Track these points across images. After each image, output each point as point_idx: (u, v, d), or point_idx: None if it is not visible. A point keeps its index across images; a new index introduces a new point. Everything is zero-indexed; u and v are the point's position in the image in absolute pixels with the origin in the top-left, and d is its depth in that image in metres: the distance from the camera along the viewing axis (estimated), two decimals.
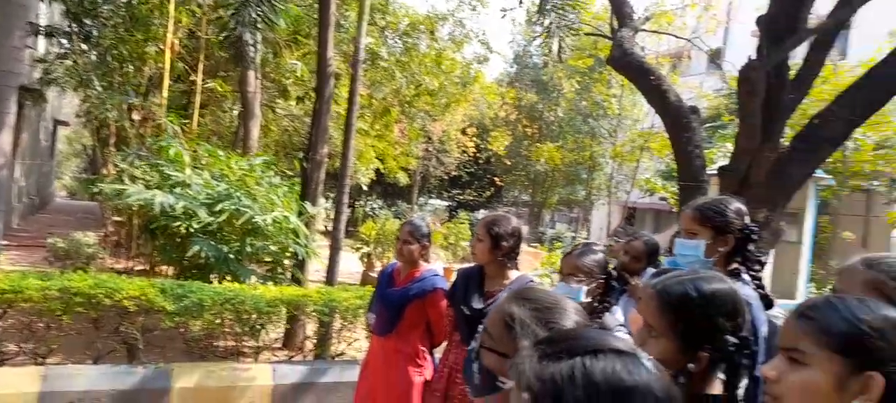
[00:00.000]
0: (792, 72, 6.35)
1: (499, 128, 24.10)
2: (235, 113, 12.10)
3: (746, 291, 2.14)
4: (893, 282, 1.51)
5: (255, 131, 9.59)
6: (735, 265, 2.25)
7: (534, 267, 14.20)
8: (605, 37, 9.21)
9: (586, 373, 0.86)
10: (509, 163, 25.38)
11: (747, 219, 2.27)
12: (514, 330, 1.34)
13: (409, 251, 3.44)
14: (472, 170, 27.81)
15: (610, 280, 2.47)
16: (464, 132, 24.56)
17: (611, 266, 2.94)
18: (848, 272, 1.61)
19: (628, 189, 17.28)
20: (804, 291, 12.45)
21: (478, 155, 25.78)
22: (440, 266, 12.37)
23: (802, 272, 12.26)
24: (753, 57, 5.67)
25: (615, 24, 7.82)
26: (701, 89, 17.85)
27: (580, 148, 21.53)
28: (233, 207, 5.90)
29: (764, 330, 2.11)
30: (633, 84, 9.03)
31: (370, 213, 29.01)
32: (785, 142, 6.51)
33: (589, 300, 2.47)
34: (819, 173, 12.21)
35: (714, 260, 2.25)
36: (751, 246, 2.24)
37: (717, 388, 1.42)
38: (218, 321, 5.00)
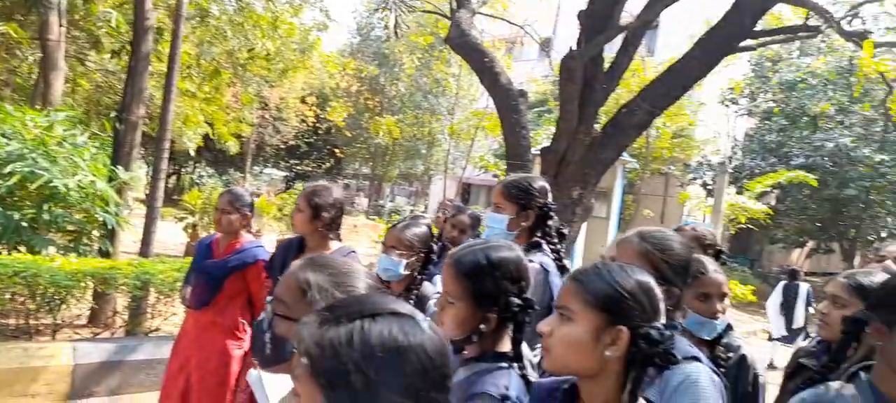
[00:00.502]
0: (606, 65, 7.00)
1: (339, 99, 23.70)
2: (33, 61, 10.59)
3: (546, 260, 2.36)
4: (659, 253, 1.74)
5: (58, 85, 8.46)
6: (536, 237, 2.46)
7: (372, 239, 14.28)
8: (444, 16, 9.41)
9: (364, 336, 0.89)
10: (350, 135, 25.12)
11: (549, 197, 2.49)
12: (309, 295, 1.35)
13: (228, 221, 3.29)
14: (312, 140, 27.10)
15: (430, 253, 2.56)
16: (303, 101, 23.79)
17: (436, 238, 3.04)
18: (624, 243, 1.83)
19: (464, 165, 17.98)
20: None
21: (317, 125, 25.15)
22: (274, 237, 11.96)
23: (609, 244, 13.70)
24: (575, 48, 6.15)
25: (454, 4, 8.02)
26: (531, 74, 18.97)
27: (420, 123, 21.91)
28: (26, 169, 5.18)
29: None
30: (469, 64, 9.34)
31: (197, 182, 27.13)
32: (598, 127, 7.18)
33: (408, 272, 2.54)
34: (626, 157, 13.67)
35: (517, 233, 2.46)
36: (550, 221, 2.45)
37: (506, 346, 1.56)
38: (7, 296, 4.41)
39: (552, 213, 2.47)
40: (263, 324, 1.43)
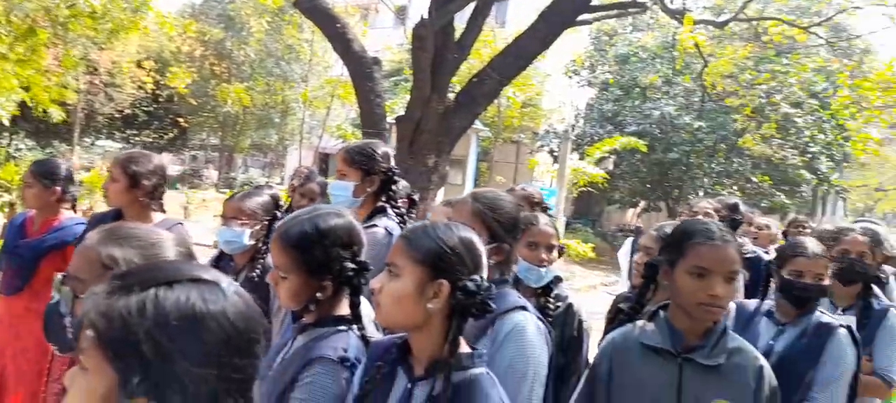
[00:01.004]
0: (458, 35, 7.14)
1: (181, 64, 21.93)
2: None
3: (390, 224, 2.41)
4: (491, 212, 1.84)
5: None
6: (381, 202, 2.48)
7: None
8: None
9: (158, 304, 0.85)
10: (195, 104, 23.40)
11: (392, 162, 2.52)
12: (115, 271, 1.24)
13: (32, 195, 2.95)
14: (151, 108, 24.87)
15: (274, 220, 2.47)
16: (139, 66, 21.72)
17: (284, 207, 2.95)
18: (459, 204, 1.91)
19: (320, 134, 17.52)
20: None
21: (157, 92, 23.11)
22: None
23: (435, 204, 14.18)
24: (426, 16, 6.19)
25: None
26: (387, 42, 18.87)
27: (272, 91, 20.94)
28: None
29: None
30: (320, 29, 9.08)
31: (14, 155, 23.93)
32: (451, 96, 7.34)
33: (252, 242, 2.44)
34: (479, 125, 14.15)
35: (362, 199, 2.46)
36: (394, 186, 2.49)
37: (344, 309, 1.57)
38: None
39: (396, 178, 2.50)
40: (61, 306, 1.29)
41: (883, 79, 12.20)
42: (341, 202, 2.45)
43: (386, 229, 2.37)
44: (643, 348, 1.72)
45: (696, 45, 7.70)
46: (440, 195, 9.41)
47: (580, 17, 6.79)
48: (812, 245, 2.31)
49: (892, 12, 9.64)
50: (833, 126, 18.10)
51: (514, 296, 1.77)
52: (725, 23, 9.12)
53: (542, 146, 20.29)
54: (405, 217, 2.52)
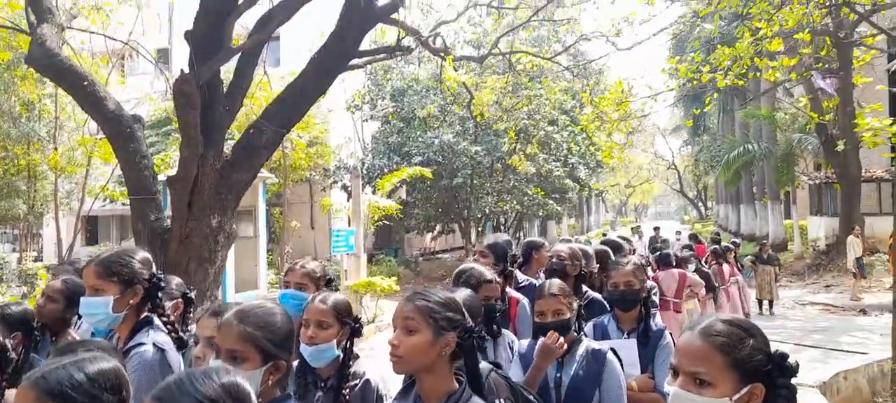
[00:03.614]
0: (227, 83, 6.79)
1: None
2: None
3: (159, 338, 2.18)
4: (261, 332, 1.74)
5: None
6: (146, 313, 2.24)
7: None
8: (20, 31, 7.87)
9: None
10: None
11: (154, 267, 2.30)
12: None
13: None
14: None
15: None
16: None
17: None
18: (225, 327, 1.75)
19: (81, 197, 15.43)
20: (264, 278, 13.79)
21: None
22: None
23: (261, 262, 13.54)
24: (186, 71, 5.79)
25: (33, 18, 6.78)
26: (151, 89, 17.37)
27: (11, 156, 17.96)
28: None
29: (181, 369, 2.19)
30: (63, 89, 8.04)
31: None
32: (228, 150, 6.94)
33: None
34: (264, 173, 13.64)
35: (125, 314, 2.22)
36: (160, 293, 2.26)
37: None
38: None
39: (161, 283, 2.27)
40: None
41: (615, 96, 14.30)
42: (99, 321, 2.19)
43: (155, 345, 2.14)
44: None
45: (463, 83, 8.27)
46: (231, 253, 8.83)
47: (351, 62, 6.88)
48: (547, 286, 2.62)
49: (614, 39, 11.34)
50: (584, 138, 20.78)
51: None
52: (483, 58, 9.96)
53: (335, 181, 20.22)
54: (177, 325, 2.30)
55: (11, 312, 2.77)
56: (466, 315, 1.83)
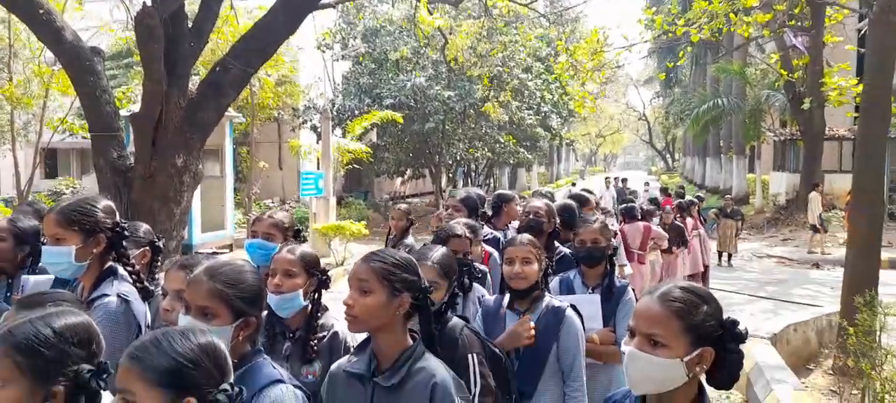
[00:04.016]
0: (191, 20, 6.53)
1: None
2: None
3: (124, 288, 2.15)
4: (231, 289, 1.73)
5: None
6: (110, 263, 2.20)
7: None
8: None
9: None
10: None
11: (117, 216, 2.24)
12: None
13: None
14: None
15: None
16: None
17: None
18: (194, 284, 1.73)
19: (39, 130, 14.87)
20: (231, 219, 13.64)
21: None
22: None
23: (228, 202, 13.36)
24: (149, 3, 5.54)
25: None
26: (110, 19, 16.61)
27: None
28: None
29: (147, 321, 2.20)
30: (19, 18, 7.64)
31: None
32: (193, 87, 6.73)
33: None
34: (231, 112, 13.30)
35: (88, 263, 2.17)
36: (125, 242, 2.22)
37: None
38: None
39: (125, 232, 2.21)
40: None
41: (591, 46, 14.22)
42: (62, 270, 2.15)
43: (119, 296, 2.10)
44: (346, 375, 1.88)
45: (438, 27, 8.11)
46: (198, 193, 8.65)
47: (322, 1, 6.67)
48: (520, 236, 2.71)
49: None
50: (557, 87, 20.72)
51: (268, 369, 1.72)
52: (458, 1, 9.75)
53: (305, 122, 19.88)
54: (142, 275, 2.26)
55: None
56: (421, 275, 1.87)
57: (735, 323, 1.54)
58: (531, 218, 3.50)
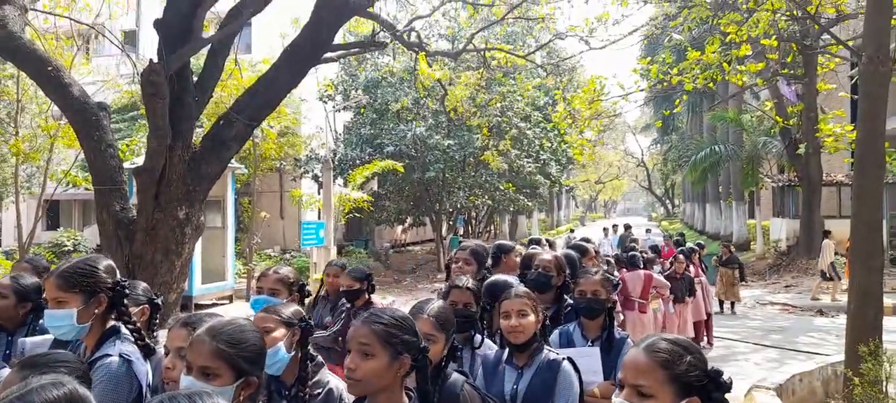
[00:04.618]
0: (196, 75, 6.67)
1: None
2: None
3: (126, 348, 2.16)
4: (233, 349, 1.73)
5: None
6: (112, 322, 2.21)
7: None
8: None
9: None
10: None
11: (118, 274, 2.26)
12: None
13: None
14: None
15: None
16: None
17: None
18: (197, 344, 1.73)
19: (42, 182, 15.00)
20: (232, 269, 13.61)
21: None
22: None
23: (229, 253, 13.36)
24: (155, 60, 5.67)
25: None
26: (117, 73, 16.93)
27: None
28: None
29: (148, 380, 2.20)
30: (25, 73, 7.82)
31: None
32: (198, 140, 6.82)
33: None
34: (234, 163, 13.43)
35: (90, 325, 2.19)
36: (126, 301, 2.23)
37: None
38: None
39: (125, 291, 2.23)
40: None
41: (588, 94, 14.43)
42: (64, 333, 2.15)
43: (121, 356, 2.11)
44: None
45: (437, 79, 8.27)
46: (199, 245, 8.67)
47: (325, 55, 6.83)
48: (515, 289, 2.71)
49: (587, 38, 11.44)
50: (556, 135, 20.94)
51: None
52: (458, 54, 9.97)
53: (306, 172, 20.03)
54: (145, 332, 2.27)
55: None
56: (419, 335, 1.88)
57: (719, 372, 1.57)
58: (540, 273, 3.46)
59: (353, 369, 1.77)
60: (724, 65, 11.05)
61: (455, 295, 2.84)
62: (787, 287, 16.06)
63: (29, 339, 2.47)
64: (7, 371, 1.77)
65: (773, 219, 22.71)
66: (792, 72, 15.67)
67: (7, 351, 2.74)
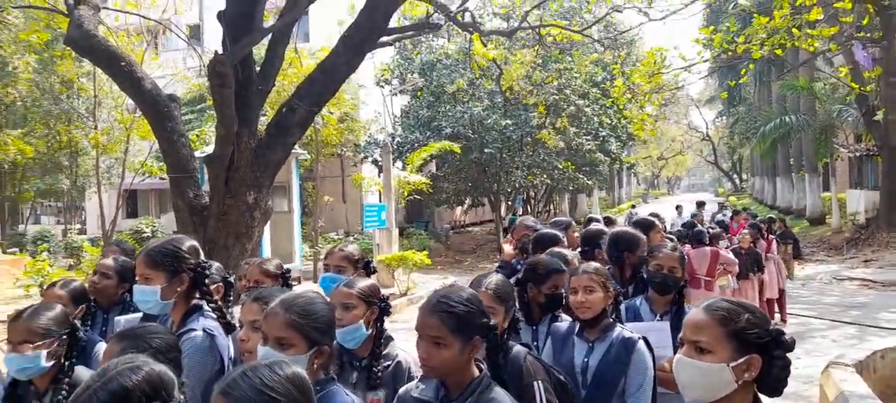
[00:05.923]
0: (258, 65, 6.88)
1: None
2: None
3: (209, 324, 2.29)
4: (305, 320, 1.82)
5: None
6: (194, 301, 2.35)
7: (14, 277, 11.41)
8: (57, 12, 8.06)
9: None
10: None
11: (201, 255, 2.40)
12: None
13: None
14: None
15: (75, 332, 2.26)
16: None
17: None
18: (271, 317, 1.84)
19: (121, 172, 15.88)
20: (299, 252, 14.06)
21: None
22: None
23: (296, 236, 13.80)
24: (221, 51, 5.89)
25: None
26: (184, 66, 17.61)
27: (54, 133, 18.54)
28: None
29: (230, 353, 2.33)
30: (101, 69, 8.24)
31: None
32: (262, 128, 7.07)
33: (52, 363, 2.18)
34: (297, 149, 13.81)
35: (174, 301, 2.32)
36: (207, 280, 2.36)
37: None
38: None
39: (207, 271, 2.36)
40: None
41: (648, 68, 14.02)
42: (149, 308, 2.31)
43: (205, 331, 2.25)
44: (415, 401, 1.94)
45: (492, 59, 8.24)
46: (267, 228, 9.03)
47: (381, 39, 6.91)
48: (584, 265, 2.70)
49: (646, 9, 11.08)
50: (615, 111, 20.47)
51: (342, 396, 1.81)
52: (512, 32, 9.85)
53: (366, 156, 20.37)
54: (223, 309, 2.40)
55: (75, 288, 2.93)
56: (487, 313, 1.91)
57: (781, 332, 1.58)
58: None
59: (427, 359, 1.81)
60: (794, 30, 10.50)
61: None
62: (866, 261, 15.24)
63: (123, 317, 2.66)
64: (109, 343, 1.92)
65: (849, 191, 21.53)
66: (868, 34, 14.73)
67: (104, 328, 2.96)
